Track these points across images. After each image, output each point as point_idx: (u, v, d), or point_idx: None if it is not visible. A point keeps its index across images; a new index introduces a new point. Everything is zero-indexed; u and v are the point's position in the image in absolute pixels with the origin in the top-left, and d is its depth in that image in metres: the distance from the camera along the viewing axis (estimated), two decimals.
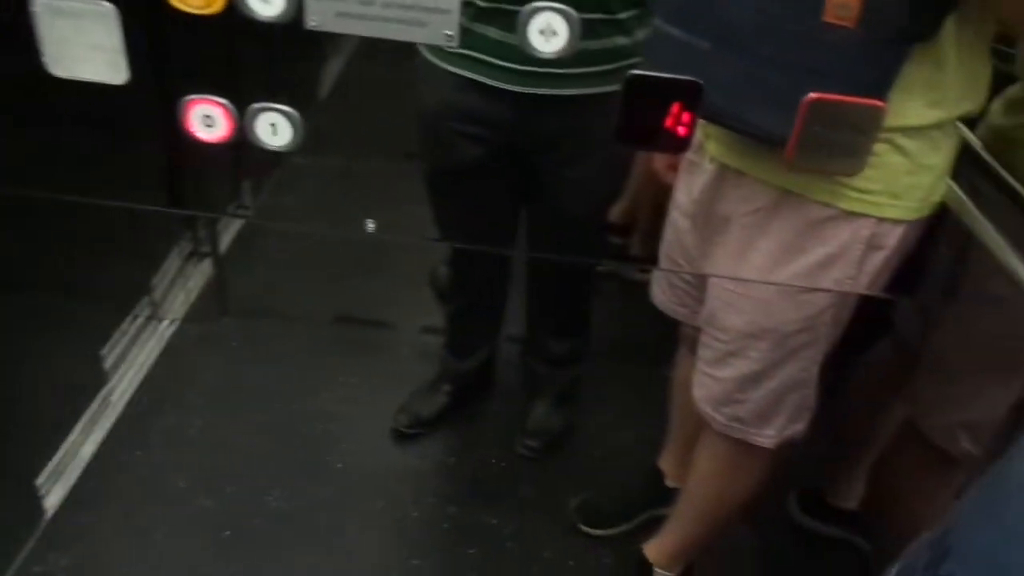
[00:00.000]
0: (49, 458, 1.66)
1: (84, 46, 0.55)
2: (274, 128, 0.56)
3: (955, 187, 1.04)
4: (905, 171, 0.96)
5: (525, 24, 0.51)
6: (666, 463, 1.67)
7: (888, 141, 0.94)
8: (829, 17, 0.79)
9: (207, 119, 0.57)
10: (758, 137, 0.91)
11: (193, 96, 0.56)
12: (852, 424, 1.64)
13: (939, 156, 0.98)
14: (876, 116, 0.54)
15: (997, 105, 1.14)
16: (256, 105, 0.56)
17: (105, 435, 1.78)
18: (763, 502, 1.39)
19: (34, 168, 1.53)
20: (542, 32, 0.51)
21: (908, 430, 1.39)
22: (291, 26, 0.54)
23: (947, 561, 0.49)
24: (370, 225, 0.67)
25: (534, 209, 1.61)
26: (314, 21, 0.52)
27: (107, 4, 0.54)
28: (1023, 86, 1.13)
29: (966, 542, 0.49)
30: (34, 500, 1.59)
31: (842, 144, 0.55)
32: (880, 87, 0.84)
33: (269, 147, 0.56)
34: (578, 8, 1.31)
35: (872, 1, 0.79)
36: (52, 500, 1.62)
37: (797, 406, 1.19)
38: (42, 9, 0.54)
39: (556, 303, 1.82)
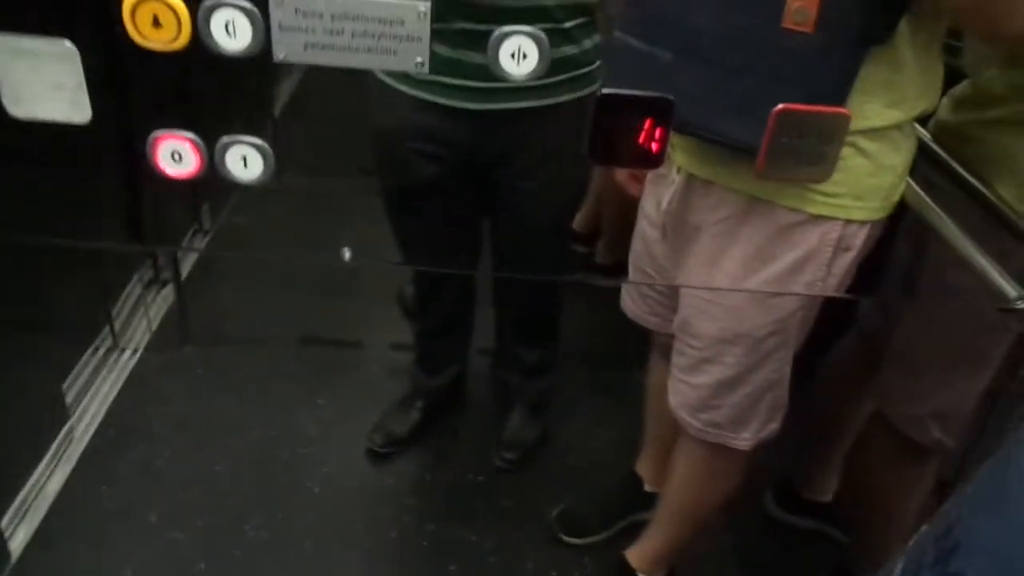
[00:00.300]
0: (13, 498, 1.61)
1: (45, 86, 0.54)
2: (245, 161, 0.56)
3: (911, 183, 1.06)
4: (868, 172, 0.98)
5: (496, 48, 0.51)
6: (643, 468, 1.68)
7: (851, 144, 0.96)
8: (787, 23, 0.80)
9: (175, 155, 0.56)
10: (726, 145, 0.92)
11: (160, 132, 0.55)
12: (822, 418, 1.66)
13: (899, 156, 1.00)
14: (842, 124, 0.55)
15: (945, 102, 1.17)
16: (225, 139, 0.55)
17: (70, 471, 1.73)
18: (739, 499, 1.41)
19: None
20: (513, 55, 0.51)
21: (877, 422, 1.42)
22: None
23: (955, 557, 0.50)
24: (347, 253, 0.66)
25: (496, 222, 1.61)
26: (282, 54, 0.51)
27: (67, 43, 0.52)
28: (970, 83, 1.16)
29: (973, 538, 0.50)
30: None
31: (810, 152, 0.56)
32: (840, 90, 0.86)
33: (240, 181, 0.55)
34: (527, 21, 1.32)
35: (829, 5, 0.80)
36: (17, 540, 1.58)
37: (771, 407, 1.21)
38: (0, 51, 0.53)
39: (524, 313, 1.82)
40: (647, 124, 0.54)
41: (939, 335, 1.22)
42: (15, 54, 0.53)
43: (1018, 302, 0.75)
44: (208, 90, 2.19)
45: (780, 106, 0.54)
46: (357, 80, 1.56)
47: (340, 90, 2.46)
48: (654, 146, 0.55)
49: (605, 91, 0.53)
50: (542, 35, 0.52)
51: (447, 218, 1.57)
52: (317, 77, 3.54)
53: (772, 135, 0.55)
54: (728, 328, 1.13)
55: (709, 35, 0.86)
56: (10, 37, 0.53)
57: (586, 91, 1.38)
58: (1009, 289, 0.79)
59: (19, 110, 0.54)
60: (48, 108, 0.54)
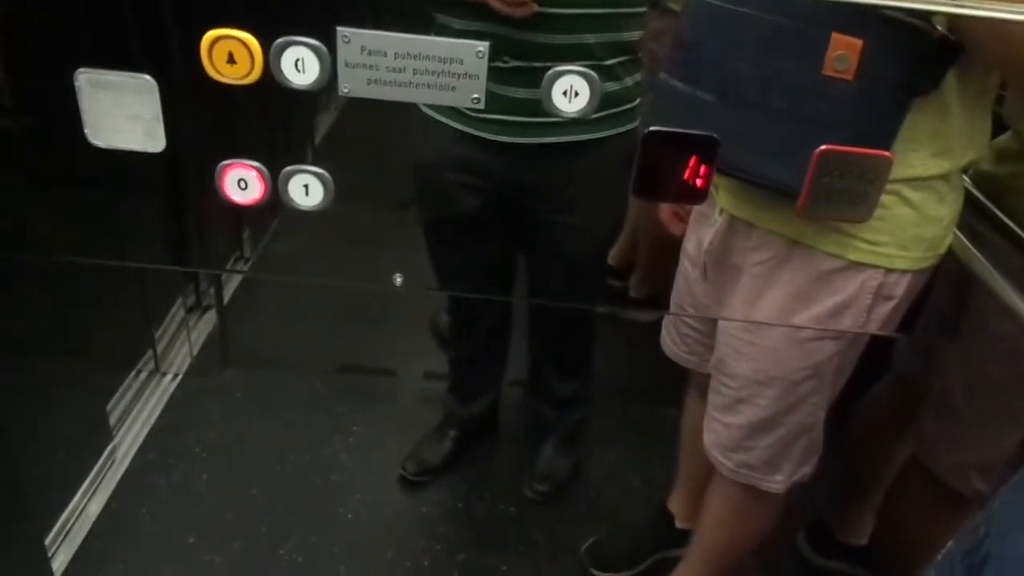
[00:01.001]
0: (56, 518, 1.65)
1: (123, 117, 0.57)
2: (307, 189, 0.59)
3: (957, 233, 1.06)
4: (912, 223, 0.98)
5: (549, 86, 0.54)
6: (675, 505, 1.67)
7: (895, 193, 0.96)
8: (828, 70, 0.82)
9: (241, 183, 0.59)
10: (765, 187, 0.93)
11: (228, 161, 0.58)
12: (858, 461, 1.64)
13: (945, 208, 1.00)
14: (883, 166, 0.56)
15: (988, 153, 1.17)
16: (289, 168, 0.58)
17: (111, 492, 1.77)
18: (773, 540, 1.39)
19: (32, 228, 1.55)
20: (565, 93, 0.54)
21: (915, 467, 1.40)
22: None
23: (986, 570, 0.50)
24: (398, 279, 0.68)
25: (532, 255, 1.64)
26: (347, 88, 0.54)
27: (147, 77, 0.56)
28: (1014, 135, 1.16)
29: (1004, 550, 0.51)
30: (43, 560, 1.57)
31: (851, 193, 0.57)
32: (883, 138, 0.86)
33: (302, 208, 0.58)
34: (568, 58, 1.36)
35: (870, 55, 0.82)
36: (59, 561, 1.61)
37: (805, 450, 1.20)
38: (85, 83, 0.56)
39: (558, 345, 1.84)
40: (692, 161, 0.56)
41: (981, 384, 1.21)
42: (98, 86, 0.56)
43: None
44: (250, 123, 2.26)
45: (823, 147, 0.56)
46: (393, 114, 1.60)
47: (376, 124, 2.51)
48: (699, 182, 0.57)
49: (652, 128, 0.55)
50: (593, 74, 0.54)
51: (484, 249, 1.59)
52: (354, 112, 3.63)
53: (814, 175, 0.57)
54: (763, 370, 1.13)
55: (750, 79, 0.88)
56: (94, 72, 0.57)
57: (626, 127, 1.41)
58: None
59: (99, 140, 0.58)
60: (126, 138, 0.58)
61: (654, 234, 2.23)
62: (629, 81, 1.38)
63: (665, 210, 1.37)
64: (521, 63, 1.26)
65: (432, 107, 1.42)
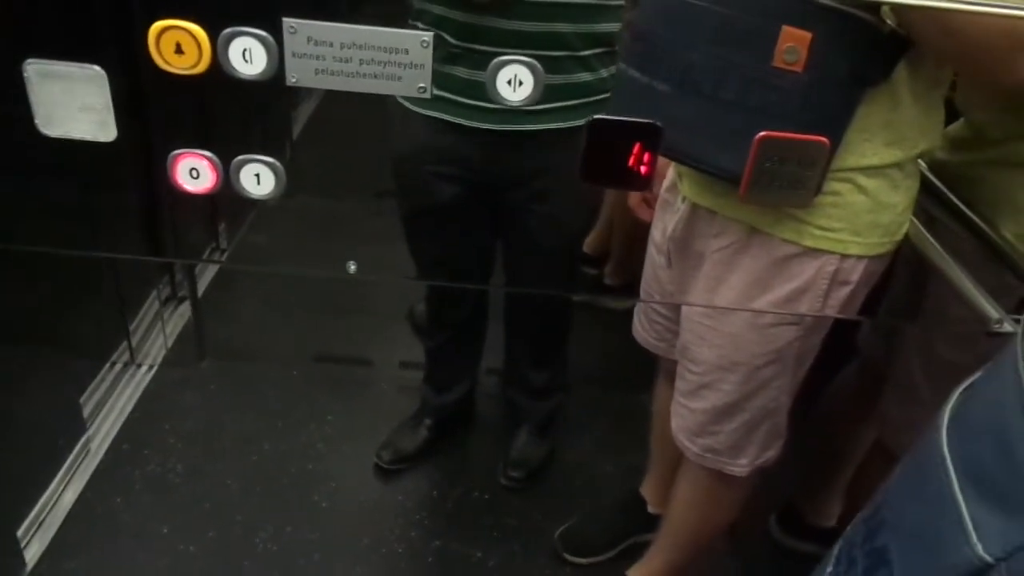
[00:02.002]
0: (29, 508, 1.65)
1: (75, 107, 0.58)
2: (258, 178, 0.59)
3: (913, 219, 1.08)
4: (866, 209, 1.00)
5: (494, 75, 0.55)
6: (647, 490, 1.70)
7: (849, 180, 0.98)
8: (778, 62, 0.83)
9: (193, 172, 0.59)
10: (714, 174, 0.95)
11: (179, 150, 0.59)
12: (825, 445, 1.67)
13: (900, 195, 1.01)
14: (821, 152, 0.58)
15: (942, 141, 1.19)
16: (240, 157, 0.59)
17: (85, 483, 1.77)
18: (744, 524, 1.42)
19: (5, 219, 1.54)
20: (509, 82, 0.55)
21: (879, 449, 1.43)
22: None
23: (880, 534, 0.53)
24: (352, 266, 0.69)
25: (508, 244, 1.65)
26: (294, 78, 0.55)
27: (96, 68, 0.57)
28: (966, 124, 1.18)
29: (896, 515, 0.53)
30: (15, 551, 1.58)
31: (792, 178, 0.59)
32: (832, 128, 0.88)
33: (253, 197, 0.59)
34: (543, 47, 1.36)
35: (819, 47, 0.83)
36: (33, 551, 1.61)
37: (769, 434, 1.22)
38: (33, 74, 0.57)
39: (533, 335, 1.85)
40: (636, 148, 0.57)
41: (939, 366, 1.23)
42: (49, 77, 0.57)
43: (999, 325, 0.77)
44: (228, 113, 2.25)
45: (762, 133, 0.58)
46: (372, 106, 1.61)
47: (355, 116, 2.51)
48: (643, 169, 0.58)
49: (597, 116, 0.57)
50: (537, 64, 0.55)
51: (463, 238, 1.61)
52: (333, 103, 3.62)
53: (755, 160, 0.58)
54: (726, 355, 1.14)
55: (703, 70, 0.89)
56: (44, 62, 0.57)
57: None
58: (992, 312, 0.81)
59: (51, 129, 0.58)
60: (78, 128, 0.58)
61: (628, 222, 2.25)
62: (604, 72, 1.39)
63: (634, 196, 1.39)
64: (497, 49, 1.28)
65: (407, 97, 1.42)
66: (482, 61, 1.29)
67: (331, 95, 3.67)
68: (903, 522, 0.53)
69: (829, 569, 0.61)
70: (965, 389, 0.55)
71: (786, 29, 0.82)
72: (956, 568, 0.46)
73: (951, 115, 1.14)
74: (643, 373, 1.59)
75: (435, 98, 1.37)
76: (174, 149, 0.61)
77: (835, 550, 0.62)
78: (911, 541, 0.51)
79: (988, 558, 0.44)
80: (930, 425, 0.54)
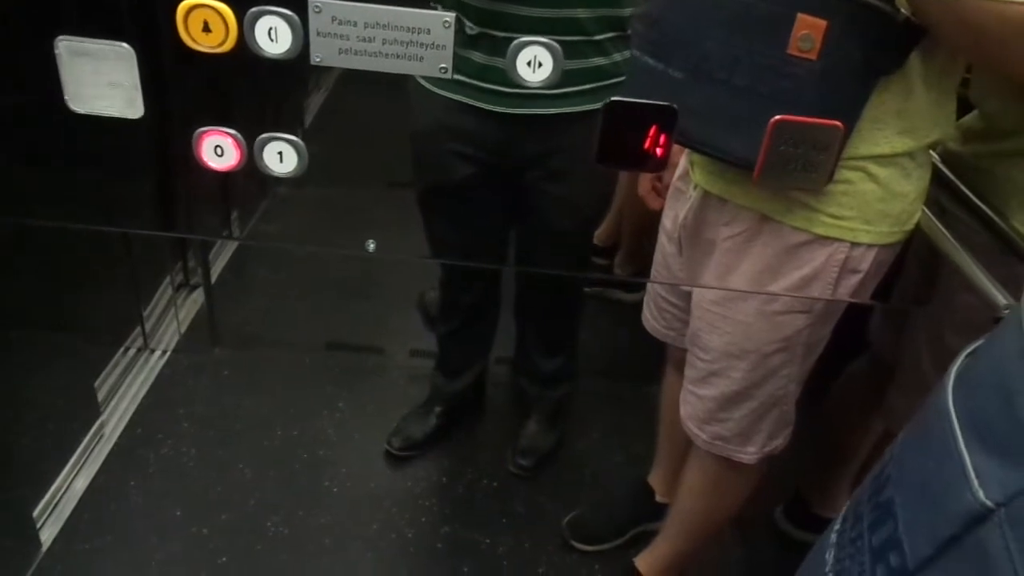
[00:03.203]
0: (45, 490, 1.67)
1: (103, 84, 0.59)
2: (281, 156, 0.61)
3: (924, 209, 1.08)
4: (877, 198, 1.00)
5: (514, 56, 0.56)
6: (655, 479, 1.71)
7: (860, 169, 0.98)
8: (793, 50, 0.84)
9: (218, 149, 0.61)
10: (728, 161, 0.96)
11: (204, 128, 0.60)
12: (833, 436, 1.68)
13: (911, 184, 1.02)
14: (834, 135, 0.59)
15: (954, 132, 1.19)
16: (264, 135, 0.60)
17: (99, 467, 1.79)
18: (751, 514, 1.42)
19: (20, 201, 1.56)
20: (529, 64, 0.56)
21: (888, 441, 1.43)
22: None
23: (886, 489, 0.54)
24: (371, 245, 0.71)
25: (523, 228, 1.66)
26: (319, 57, 0.56)
27: (125, 46, 0.58)
28: (978, 115, 1.18)
29: (901, 470, 0.55)
30: (31, 532, 1.60)
31: (805, 162, 0.59)
32: (846, 116, 0.87)
33: (276, 174, 0.60)
34: (559, 32, 1.37)
35: (834, 35, 0.83)
36: (47, 532, 1.63)
37: (777, 423, 1.23)
38: (64, 51, 0.58)
39: (544, 322, 1.86)
40: (652, 131, 0.58)
41: (948, 356, 1.23)
42: (78, 55, 0.58)
43: (1007, 311, 0.78)
44: (243, 98, 2.26)
45: (777, 117, 0.58)
46: (381, 96, 1.61)
47: (366, 104, 2.53)
48: (658, 151, 0.59)
49: (613, 99, 0.58)
50: (556, 46, 0.56)
51: (478, 219, 1.62)
52: (344, 92, 3.63)
53: (769, 144, 0.59)
54: (735, 343, 1.15)
55: (718, 57, 0.89)
56: (74, 40, 0.58)
57: None
58: (1000, 298, 0.81)
59: (79, 106, 0.60)
60: (105, 105, 0.59)
61: (637, 212, 2.25)
62: (618, 57, 1.40)
63: (644, 185, 1.40)
64: (513, 34, 1.28)
65: (426, 77, 1.44)
66: (499, 46, 1.31)
67: (343, 84, 3.69)
68: (908, 476, 0.54)
69: (836, 526, 0.62)
70: (971, 352, 0.56)
71: (801, 17, 0.83)
72: (957, 514, 0.47)
73: (964, 107, 1.14)
74: (651, 364, 1.60)
75: (453, 80, 1.39)
76: (193, 128, 0.63)
77: (843, 511, 0.63)
78: (915, 493, 0.52)
79: (989, 503, 0.46)
80: (936, 387, 0.55)
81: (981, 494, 0.46)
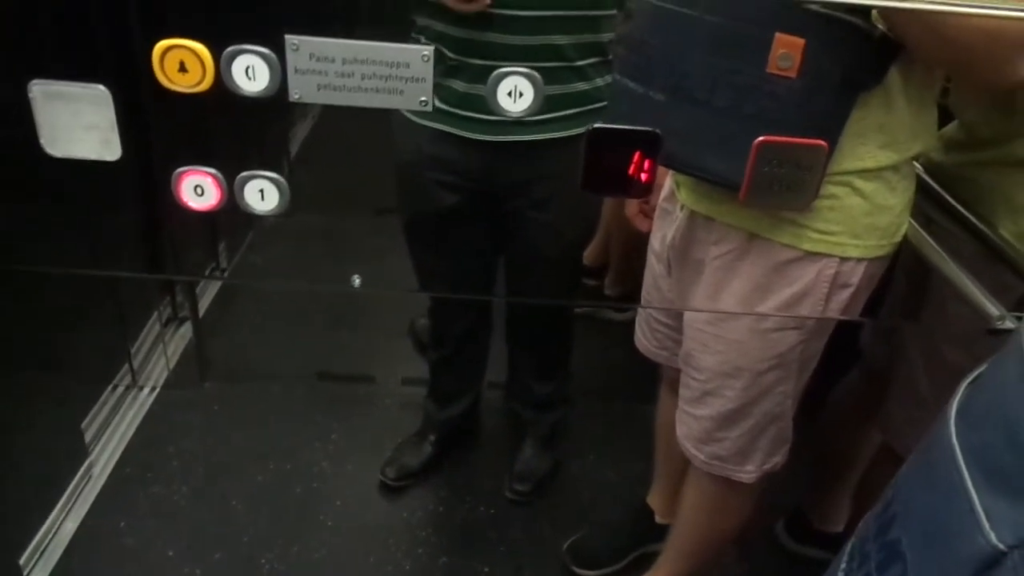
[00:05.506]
0: (32, 536, 1.64)
1: (79, 127, 0.58)
2: (262, 194, 0.60)
3: (911, 221, 1.08)
4: (864, 212, 1.00)
5: (494, 87, 0.56)
6: (655, 500, 1.69)
7: (846, 184, 0.98)
8: (772, 68, 0.84)
9: (198, 189, 0.60)
10: (713, 182, 0.96)
11: (184, 167, 0.60)
12: (831, 450, 1.67)
13: (896, 197, 1.02)
14: (819, 154, 0.58)
15: (936, 143, 1.20)
16: (244, 173, 0.59)
17: (88, 509, 1.76)
18: (751, 529, 1.41)
19: (5, 241, 1.55)
20: (509, 94, 0.55)
21: (885, 452, 1.42)
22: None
23: (892, 528, 0.53)
24: (356, 280, 0.70)
25: (510, 255, 1.66)
26: (297, 94, 0.55)
27: (101, 87, 0.57)
28: (959, 125, 1.19)
29: (908, 509, 0.53)
30: None
31: (790, 182, 0.59)
32: (828, 132, 0.88)
33: (258, 212, 0.59)
34: (540, 59, 1.38)
35: (812, 53, 0.84)
36: None
37: (774, 440, 1.22)
38: (39, 94, 0.57)
39: (536, 347, 1.85)
40: (636, 156, 0.58)
41: (940, 367, 1.23)
42: (53, 98, 0.57)
43: (1000, 322, 0.77)
44: (226, 133, 2.26)
45: (761, 138, 0.58)
46: (369, 124, 1.61)
47: (351, 133, 2.52)
48: (643, 176, 0.58)
49: (596, 126, 0.57)
50: (536, 75, 0.56)
51: (465, 248, 1.62)
52: (329, 121, 3.64)
53: (754, 165, 0.59)
54: (729, 361, 1.15)
55: (699, 79, 0.90)
56: (49, 83, 0.58)
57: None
58: (993, 309, 0.81)
59: (56, 149, 0.59)
60: (82, 147, 0.59)
61: (625, 232, 2.25)
62: (600, 81, 1.41)
63: (631, 207, 1.40)
64: (494, 63, 1.29)
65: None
66: (479, 74, 1.32)
67: (328, 114, 3.70)
68: (915, 515, 0.53)
69: (842, 566, 0.61)
70: (971, 382, 0.55)
71: (779, 36, 0.83)
72: (970, 558, 0.46)
73: (945, 117, 1.15)
74: (645, 383, 1.59)
75: (435, 110, 1.39)
76: (175, 167, 0.62)
77: (847, 547, 0.62)
78: (923, 533, 0.51)
79: (1001, 546, 0.45)
80: (938, 419, 0.54)
81: (993, 536, 0.45)
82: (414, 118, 1.43)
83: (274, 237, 2.77)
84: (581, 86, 1.38)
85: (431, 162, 1.46)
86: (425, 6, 1.32)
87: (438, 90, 1.35)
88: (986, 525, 0.45)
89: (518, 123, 1.36)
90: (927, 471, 0.54)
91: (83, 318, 1.90)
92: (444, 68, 1.34)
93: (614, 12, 1.38)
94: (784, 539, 1.76)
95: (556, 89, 1.36)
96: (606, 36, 1.37)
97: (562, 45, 1.32)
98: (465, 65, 1.32)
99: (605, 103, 1.43)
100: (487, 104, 0.57)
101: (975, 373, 0.55)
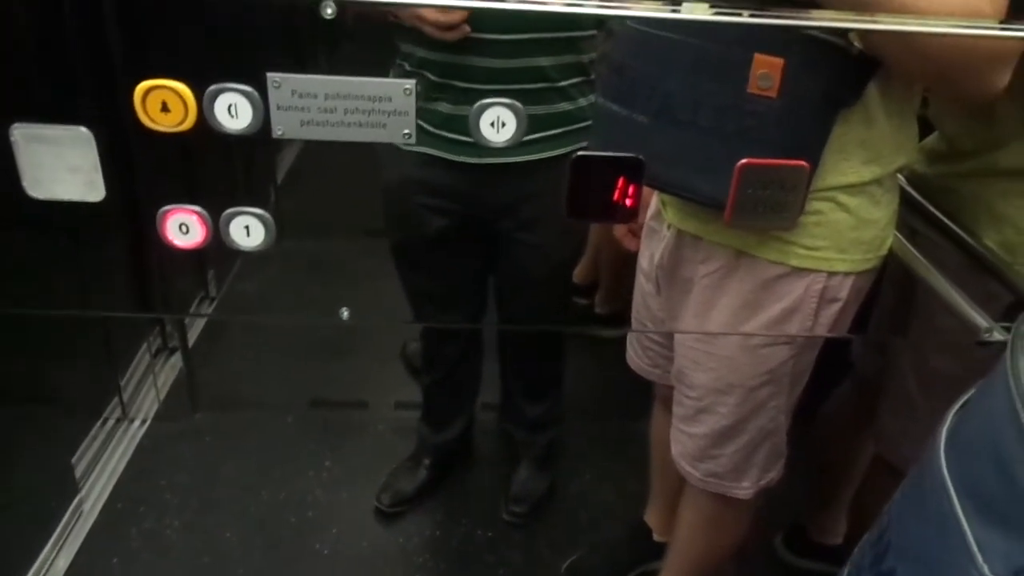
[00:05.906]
0: (23, 574, 1.62)
1: (62, 169, 0.58)
2: (247, 230, 0.60)
3: (896, 233, 1.09)
4: (849, 227, 1.01)
5: (476, 117, 0.56)
6: (652, 518, 1.68)
7: (830, 199, 0.99)
8: (753, 88, 0.85)
9: (183, 227, 0.60)
10: (697, 201, 0.96)
11: (168, 207, 0.59)
12: (825, 463, 1.67)
13: (881, 210, 1.03)
14: (801, 175, 0.59)
15: (918, 155, 1.21)
16: (229, 210, 0.59)
17: (79, 546, 1.73)
18: (750, 544, 1.41)
19: None
20: (492, 124, 0.56)
21: (880, 463, 1.42)
22: None
23: (887, 558, 0.53)
24: (344, 313, 0.70)
25: (499, 277, 1.66)
26: (280, 130, 0.55)
27: (83, 129, 0.57)
28: (940, 137, 1.20)
29: (902, 538, 0.54)
30: None
31: (774, 202, 0.59)
32: (810, 150, 0.89)
33: (244, 249, 0.59)
34: (523, 80, 1.39)
35: (792, 72, 0.85)
36: None
37: (769, 455, 1.22)
38: (20, 137, 0.57)
39: (528, 368, 1.85)
40: (620, 182, 0.58)
41: (935, 378, 1.24)
42: (35, 141, 0.57)
43: (988, 333, 0.78)
44: (212, 162, 2.26)
45: (743, 161, 0.59)
46: (354, 149, 1.61)
47: (338, 159, 2.53)
48: (628, 202, 0.59)
49: (579, 153, 0.58)
50: (519, 105, 0.56)
51: (454, 271, 1.62)
52: (315, 147, 3.64)
53: (738, 187, 0.59)
54: (721, 378, 1.15)
55: (681, 100, 0.90)
56: (31, 126, 0.58)
57: (580, 145, 1.44)
58: (981, 320, 0.81)
59: (39, 192, 0.58)
60: (65, 189, 0.58)
61: (614, 250, 2.26)
62: (583, 101, 1.42)
63: (619, 228, 1.40)
64: (479, 85, 1.31)
65: None
66: (464, 96, 1.32)
67: (313, 141, 3.70)
68: (908, 545, 0.53)
69: None
70: (960, 408, 0.55)
71: (758, 56, 0.84)
72: None
73: (926, 128, 1.16)
74: (639, 400, 1.59)
75: (420, 132, 1.39)
76: (160, 204, 0.62)
77: (843, 574, 0.62)
78: (917, 564, 0.51)
79: None
80: (928, 446, 0.54)
81: (986, 569, 0.45)
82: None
83: (263, 263, 2.76)
84: (565, 106, 1.39)
85: (417, 186, 1.46)
86: (407, 33, 1.33)
87: (423, 113, 1.36)
88: (979, 558, 0.45)
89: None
90: (919, 501, 0.54)
91: (71, 351, 1.88)
92: (428, 89, 1.34)
93: (594, 32, 1.39)
94: (783, 553, 1.75)
95: (540, 110, 1.36)
96: (587, 56, 1.38)
97: (544, 67, 1.33)
98: (449, 87, 1.33)
99: (589, 122, 1.44)
100: (473, 134, 0.58)
101: (964, 399, 0.55)
